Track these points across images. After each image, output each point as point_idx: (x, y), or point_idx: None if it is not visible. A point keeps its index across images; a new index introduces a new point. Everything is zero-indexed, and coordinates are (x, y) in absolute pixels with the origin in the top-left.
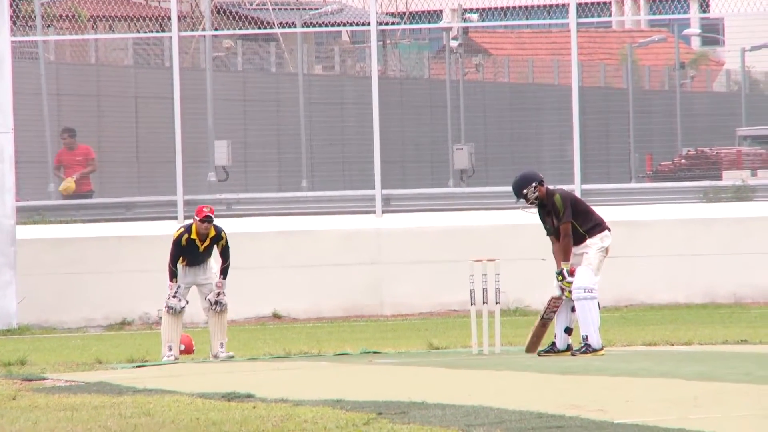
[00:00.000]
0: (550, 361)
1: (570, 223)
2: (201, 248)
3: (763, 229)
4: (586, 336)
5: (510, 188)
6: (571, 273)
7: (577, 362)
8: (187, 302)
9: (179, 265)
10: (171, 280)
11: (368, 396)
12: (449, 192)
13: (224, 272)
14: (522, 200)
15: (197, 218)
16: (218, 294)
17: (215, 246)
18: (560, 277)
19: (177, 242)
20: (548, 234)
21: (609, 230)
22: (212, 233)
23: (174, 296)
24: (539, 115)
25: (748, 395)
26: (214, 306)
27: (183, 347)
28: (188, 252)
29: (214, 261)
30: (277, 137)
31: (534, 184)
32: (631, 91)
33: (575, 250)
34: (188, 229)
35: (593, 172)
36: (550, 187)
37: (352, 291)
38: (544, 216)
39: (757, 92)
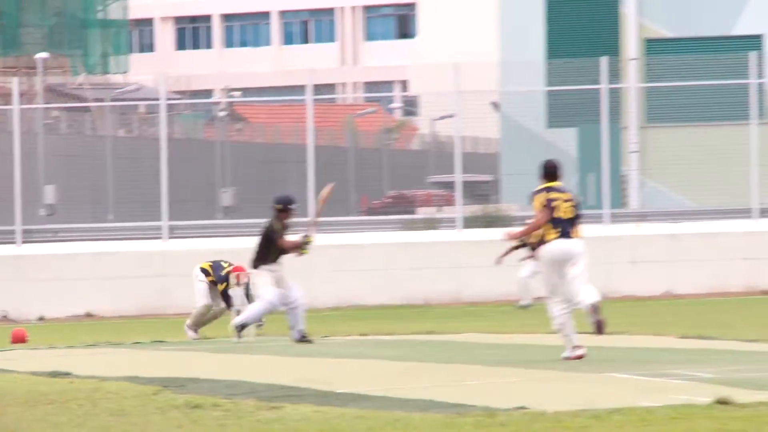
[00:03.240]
0: (289, 346)
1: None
2: None
3: (446, 250)
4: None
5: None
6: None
7: (308, 348)
8: None
9: None
10: None
11: (157, 373)
12: (218, 223)
13: None
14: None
15: None
16: None
17: None
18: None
19: None
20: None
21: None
22: None
23: None
24: (284, 166)
25: (434, 371)
26: None
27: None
28: None
29: None
30: (91, 182)
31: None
32: (352, 150)
33: (271, 266)
34: None
35: (326, 208)
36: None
37: (146, 296)
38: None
39: (443, 150)
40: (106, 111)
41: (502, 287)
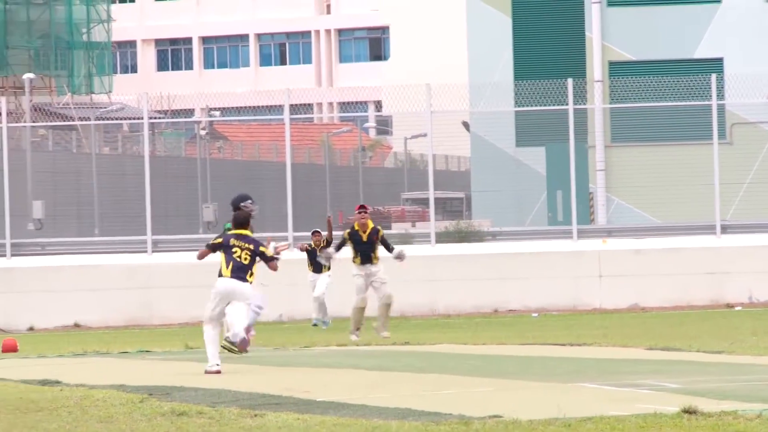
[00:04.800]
0: (268, 356)
1: None
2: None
3: (421, 264)
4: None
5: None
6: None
7: (287, 357)
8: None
9: None
10: None
11: (143, 382)
12: (200, 237)
13: None
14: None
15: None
16: None
17: None
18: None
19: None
20: None
21: None
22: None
23: None
24: (263, 183)
25: (410, 380)
26: None
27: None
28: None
29: None
30: (77, 198)
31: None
32: (328, 167)
33: None
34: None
35: (303, 223)
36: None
37: (131, 307)
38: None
39: (415, 168)
40: (91, 129)
41: (474, 300)
